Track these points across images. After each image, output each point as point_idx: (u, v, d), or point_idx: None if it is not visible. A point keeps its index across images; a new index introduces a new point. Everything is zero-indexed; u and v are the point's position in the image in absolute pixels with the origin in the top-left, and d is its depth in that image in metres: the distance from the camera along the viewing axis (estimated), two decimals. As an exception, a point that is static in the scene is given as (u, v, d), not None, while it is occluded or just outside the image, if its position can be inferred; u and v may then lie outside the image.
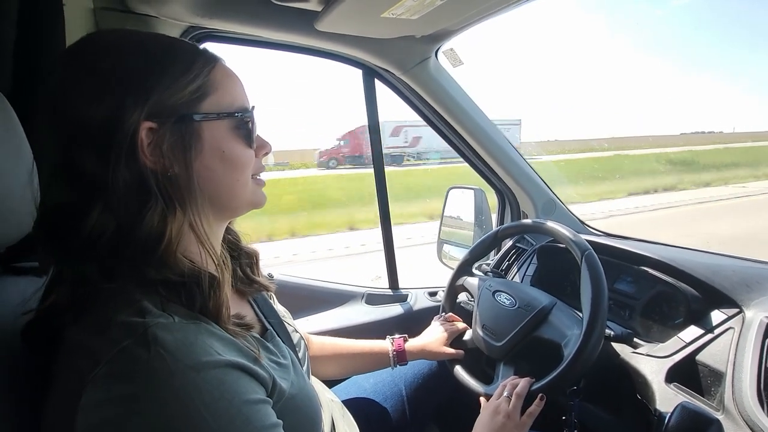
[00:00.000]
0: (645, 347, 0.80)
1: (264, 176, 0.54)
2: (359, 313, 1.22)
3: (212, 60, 0.46)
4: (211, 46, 0.96)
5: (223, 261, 0.47)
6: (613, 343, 0.83)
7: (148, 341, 0.36)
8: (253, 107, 0.49)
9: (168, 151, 0.42)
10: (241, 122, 0.48)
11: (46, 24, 0.66)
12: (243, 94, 0.49)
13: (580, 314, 0.79)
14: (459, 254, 1.33)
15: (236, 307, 0.55)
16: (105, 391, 0.35)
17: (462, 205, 1.38)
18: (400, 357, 0.88)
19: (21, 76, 0.62)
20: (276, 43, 1.00)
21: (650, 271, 0.89)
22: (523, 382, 0.73)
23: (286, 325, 0.62)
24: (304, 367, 0.62)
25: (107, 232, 0.40)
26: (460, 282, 1.00)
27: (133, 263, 0.41)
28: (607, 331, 0.79)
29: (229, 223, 0.58)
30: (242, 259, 0.60)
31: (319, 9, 0.77)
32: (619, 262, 0.96)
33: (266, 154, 0.53)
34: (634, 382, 0.78)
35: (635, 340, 0.82)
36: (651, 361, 0.76)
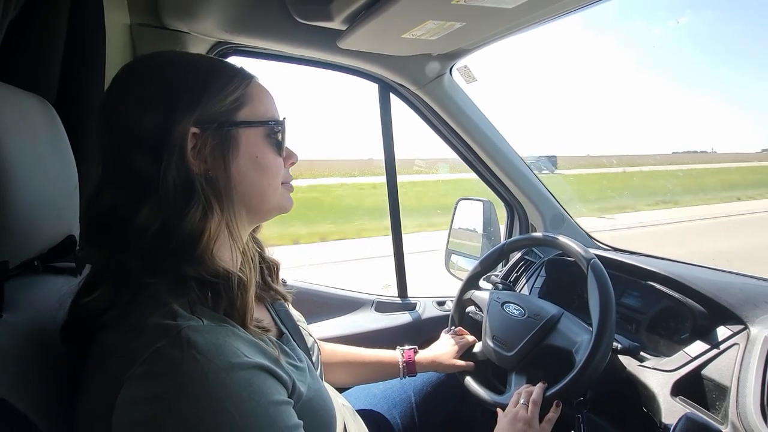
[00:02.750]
0: (651, 361, 0.82)
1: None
2: (368, 320, 1.24)
3: (249, 76, 0.51)
4: (235, 60, 1.02)
5: (251, 261, 0.51)
6: (619, 356, 0.84)
7: (182, 343, 0.38)
8: (284, 119, 0.53)
9: (209, 154, 0.46)
10: (273, 131, 0.52)
11: (89, 38, 0.70)
12: (274, 108, 0.53)
13: (588, 324, 0.81)
14: (466, 265, 1.36)
15: (255, 311, 0.57)
16: (141, 390, 0.37)
17: (471, 217, 1.40)
18: (410, 368, 0.89)
19: (65, 86, 0.66)
20: (297, 58, 1.04)
21: (657, 286, 0.91)
22: (537, 389, 0.75)
23: (301, 329, 0.65)
24: (318, 371, 0.64)
25: (153, 227, 0.44)
26: (468, 294, 1.02)
27: (172, 259, 0.44)
28: (615, 343, 0.80)
29: (254, 232, 0.61)
30: (264, 267, 0.63)
31: (343, 28, 0.82)
32: (626, 277, 0.98)
33: (293, 163, 0.57)
34: (640, 395, 0.80)
35: (641, 353, 0.84)
36: (657, 375, 0.78)
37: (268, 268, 0.63)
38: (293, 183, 0.58)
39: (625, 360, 0.84)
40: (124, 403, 0.37)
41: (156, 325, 0.40)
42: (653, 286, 0.91)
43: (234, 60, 1.00)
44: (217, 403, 0.38)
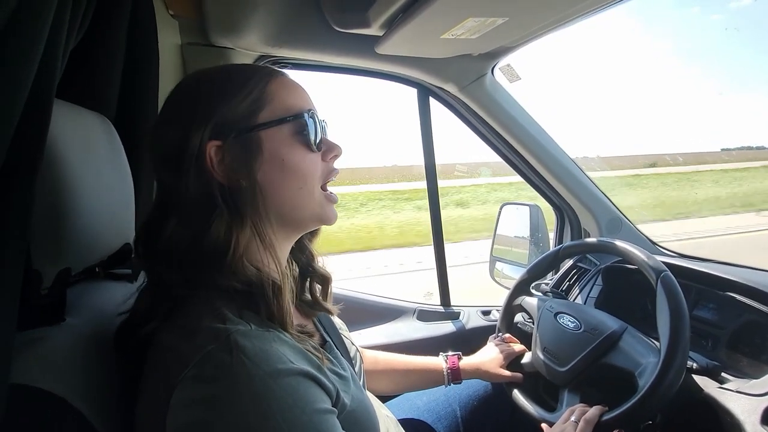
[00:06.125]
0: (734, 383, 0.72)
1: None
2: (411, 329, 1.22)
3: (269, 74, 0.49)
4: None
5: (285, 275, 0.49)
6: (694, 376, 0.75)
7: (231, 347, 0.39)
8: (309, 110, 0.49)
9: (233, 164, 0.45)
10: (300, 128, 0.48)
11: (144, 59, 0.75)
12: (302, 102, 0.50)
13: (655, 342, 0.73)
14: (513, 273, 1.29)
15: (298, 319, 0.57)
16: (192, 392, 0.38)
17: (516, 222, 1.34)
18: (455, 375, 0.86)
19: (123, 104, 0.71)
20: (337, 66, 1.05)
21: (738, 297, 0.80)
22: (593, 409, 0.69)
23: (344, 338, 0.64)
24: (361, 381, 0.62)
25: (183, 241, 0.45)
26: (517, 301, 0.96)
27: (205, 271, 0.44)
28: (690, 362, 0.72)
29: (308, 242, 0.60)
30: (315, 280, 0.61)
31: (381, 34, 0.81)
32: (699, 286, 0.88)
33: (335, 157, 0.53)
34: (721, 422, 0.70)
35: (722, 374, 0.74)
36: (742, 399, 0.68)
37: (320, 281, 0.61)
38: (337, 191, 0.54)
39: (702, 381, 0.74)
40: (176, 404, 0.38)
41: (207, 329, 0.40)
42: (733, 297, 0.81)
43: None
44: (264, 409, 0.38)
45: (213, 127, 0.45)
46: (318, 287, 0.61)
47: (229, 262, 0.44)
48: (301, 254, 0.60)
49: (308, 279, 0.61)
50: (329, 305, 0.61)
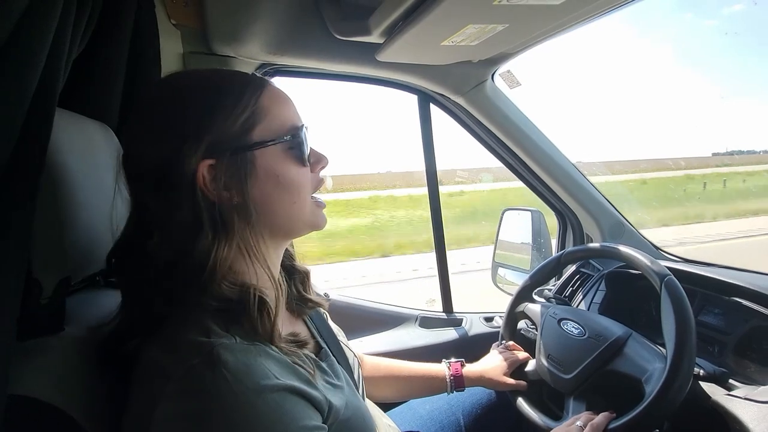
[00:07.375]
0: (742, 389, 0.71)
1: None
2: (413, 336, 1.21)
3: (260, 86, 0.48)
4: (279, 80, 1.04)
5: (280, 285, 0.49)
6: (702, 383, 0.74)
7: (213, 361, 0.38)
8: (302, 125, 0.50)
9: (227, 183, 0.44)
10: (293, 143, 0.48)
11: (146, 68, 0.75)
12: (292, 115, 0.50)
13: (661, 348, 0.72)
14: (515, 278, 1.29)
15: (291, 326, 0.56)
16: (174, 406, 0.38)
17: (518, 228, 1.33)
18: (458, 382, 0.84)
19: (125, 113, 0.71)
20: (338, 74, 1.06)
21: (744, 302, 0.80)
22: (601, 416, 0.68)
23: (341, 345, 0.63)
24: (359, 389, 0.61)
25: (163, 259, 0.43)
26: (520, 308, 0.95)
27: (185, 289, 0.43)
28: (697, 369, 0.71)
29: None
30: (296, 277, 0.62)
31: (381, 41, 0.81)
32: (704, 291, 0.87)
33: (323, 167, 0.53)
34: (730, 430, 0.69)
35: (730, 381, 0.73)
36: (751, 407, 0.67)
37: (300, 278, 0.62)
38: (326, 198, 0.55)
39: (709, 388, 0.73)
40: (159, 418, 0.38)
41: (191, 342, 0.40)
42: (739, 302, 0.80)
43: (277, 80, 1.04)
44: (247, 425, 0.37)
45: (207, 146, 0.43)
46: (300, 285, 0.61)
47: (208, 281, 0.43)
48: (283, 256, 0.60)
49: (293, 278, 0.61)
50: (316, 298, 0.62)
